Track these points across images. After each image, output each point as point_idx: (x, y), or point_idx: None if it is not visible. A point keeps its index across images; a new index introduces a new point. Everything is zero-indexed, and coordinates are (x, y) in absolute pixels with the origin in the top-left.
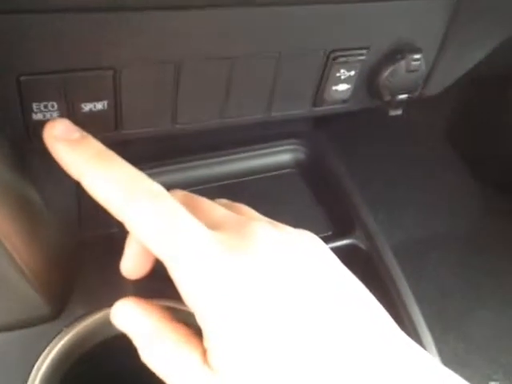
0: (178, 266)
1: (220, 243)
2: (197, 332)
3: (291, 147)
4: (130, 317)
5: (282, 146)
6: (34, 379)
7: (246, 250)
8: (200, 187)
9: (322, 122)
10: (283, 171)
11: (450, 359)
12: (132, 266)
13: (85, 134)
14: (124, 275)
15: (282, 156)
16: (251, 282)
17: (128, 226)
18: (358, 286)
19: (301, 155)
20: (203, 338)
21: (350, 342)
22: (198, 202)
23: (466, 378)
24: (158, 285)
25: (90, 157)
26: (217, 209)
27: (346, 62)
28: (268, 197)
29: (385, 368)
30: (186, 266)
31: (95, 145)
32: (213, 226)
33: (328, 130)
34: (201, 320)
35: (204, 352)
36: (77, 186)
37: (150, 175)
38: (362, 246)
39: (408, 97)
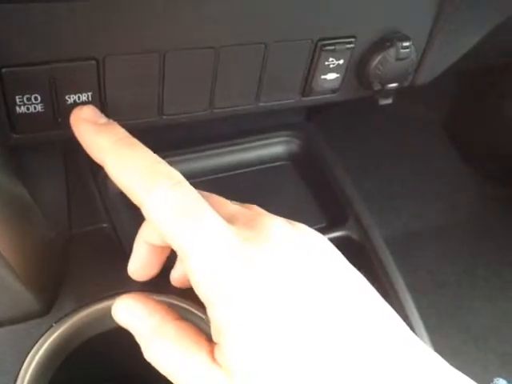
0: (193, 255)
1: (236, 235)
2: (203, 332)
3: (284, 139)
4: (132, 312)
5: (274, 138)
6: (25, 375)
7: (260, 243)
8: (193, 180)
9: (314, 115)
10: (276, 163)
11: (445, 350)
12: (140, 267)
13: (111, 120)
14: (131, 277)
15: (275, 148)
16: (267, 275)
17: (146, 211)
18: (366, 286)
19: (294, 147)
20: (213, 332)
21: (362, 341)
22: (211, 197)
23: (463, 369)
24: (151, 282)
25: (114, 141)
26: (230, 204)
27: (334, 51)
28: (261, 189)
29: (394, 367)
30: (201, 255)
31: (120, 131)
32: (227, 219)
33: (321, 122)
34: (212, 311)
35: (212, 350)
36: (66, 182)
37: None
38: (356, 237)
39: (398, 86)
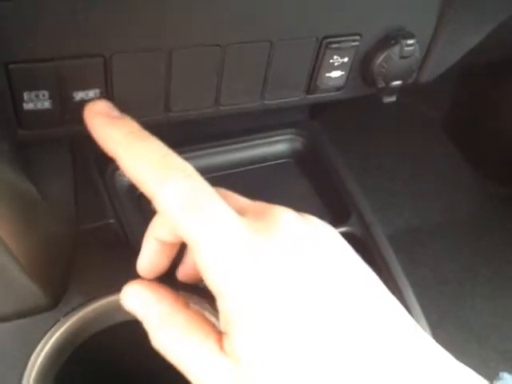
0: (204, 246)
1: (247, 227)
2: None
3: (288, 137)
4: (140, 299)
5: (278, 136)
6: (32, 369)
7: (271, 234)
8: None
9: (318, 113)
10: (280, 161)
11: (447, 347)
12: (149, 264)
13: (124, 114)
14: (140, 274)
15: (278, 146)
16: (277, 266)
17: (157, 203)
18: (374, 279)
19: (297, 145)
20: (221, 322)
21: (370, 336)
22: (220, 191)
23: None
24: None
25: (126, 133)
26: (240, 197)
27: (338, 49)
28: (265, 187)
29: (403, 360)
30: (212, 246)
31: (133, 124)
32: (237, 212)
33: (324, 120)
34: (222, 301)
35: (220, 340)
36: (73, 178)
37: None
38: (358, 234)
39: (402, 83)
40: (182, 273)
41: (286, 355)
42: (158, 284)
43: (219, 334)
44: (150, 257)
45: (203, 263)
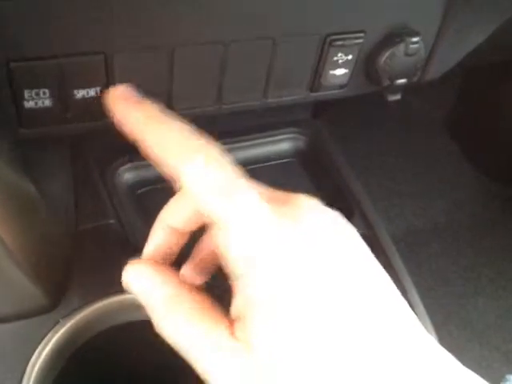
0: (232, 225)
1: (274, 211)
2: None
3: (291, 136)
4: (143, 280)
5: (281, 135)
6: (32, 370)
7: (297, 221)
8: None
9: (321, 112)
10: (283, 160)
11: (449, 348)
12: (155, 252)
13: (145, 97)
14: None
15: (281, 145)
16: (302, 254)
17: (184, 180)
18: (388, 281)
19: (300, 144)
20: (237, 307)
21: (378, 339)
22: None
23: (467, 367)
24: None
25: (151, 115)
26: (260, 184)
27: (343, 46)
28: (268, 186)
29: (407, 365)
30: (241, 227)
31: (156, 106)
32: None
33: (327, 119)
34: (244, 285)
35: (230, 325)
36: (74, 178)
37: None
38: (361, 233)
39: (407, 82)
40: (185, 272)
41: (302, 344)
42: (162, 265)
43: (229, 321)
44: (158, 244)
45: (225, 245)
